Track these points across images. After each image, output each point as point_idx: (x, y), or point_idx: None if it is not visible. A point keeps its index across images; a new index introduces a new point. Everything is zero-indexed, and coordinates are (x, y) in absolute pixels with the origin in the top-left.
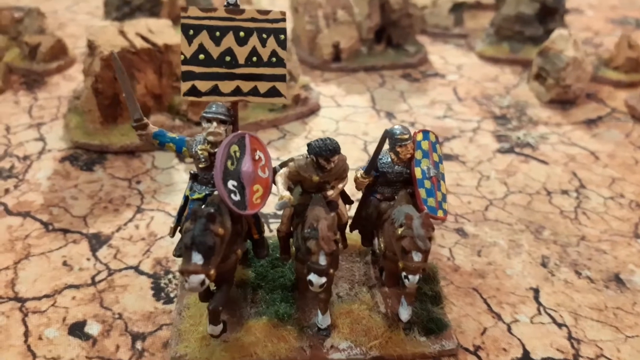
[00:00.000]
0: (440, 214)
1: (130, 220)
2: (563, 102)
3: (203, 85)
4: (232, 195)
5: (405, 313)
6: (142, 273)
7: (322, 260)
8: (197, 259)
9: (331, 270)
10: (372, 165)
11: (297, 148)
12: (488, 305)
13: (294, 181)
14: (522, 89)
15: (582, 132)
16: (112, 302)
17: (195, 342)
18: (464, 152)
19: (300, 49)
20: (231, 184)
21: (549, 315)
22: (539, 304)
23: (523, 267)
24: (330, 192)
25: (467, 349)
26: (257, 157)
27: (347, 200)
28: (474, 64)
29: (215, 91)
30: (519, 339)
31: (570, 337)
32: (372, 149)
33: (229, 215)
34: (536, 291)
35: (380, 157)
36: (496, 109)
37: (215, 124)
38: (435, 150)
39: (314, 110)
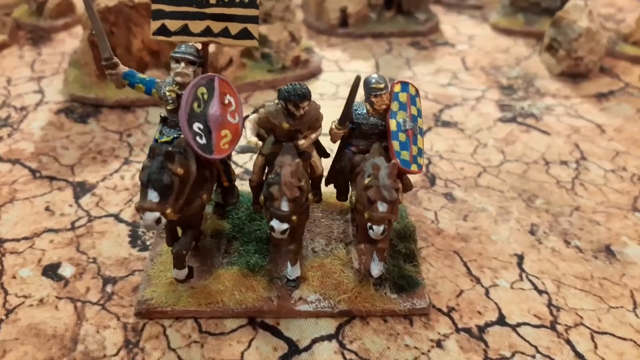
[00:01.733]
0: (414, 167)
1: (117, 171)
2: (574, 75)
3: (173, 25)
4: (198, 138)
5: (376, 268)
6: (121, 221)
7: (284, 206)
8: (153, 196)
9: (294, 217)
10: (346, 116)
11: None
12: (468, 269)
13: (265, 128)
14: (534, 61)
15: (590, 106)
16: (89, 247)
17: (162, 287)
18: (463, 119)
19: (307, 13)
20: (197, 126)
21: (531, 281)
22: (522, 270)
23: (510, 233)
24: (301, 142)
25: (440, 310)
26: (226, 102)
27: (323, 153)
28: (486, 35)
29: (184, 31)
30: (495, 303)
31: (550, 304)
32: None
33: (195, 159)
34: (520, 258)
35: (355, 108)
36: (503, 80)
37: (183, 64)
38: (415, 103)
39: (314, 74)
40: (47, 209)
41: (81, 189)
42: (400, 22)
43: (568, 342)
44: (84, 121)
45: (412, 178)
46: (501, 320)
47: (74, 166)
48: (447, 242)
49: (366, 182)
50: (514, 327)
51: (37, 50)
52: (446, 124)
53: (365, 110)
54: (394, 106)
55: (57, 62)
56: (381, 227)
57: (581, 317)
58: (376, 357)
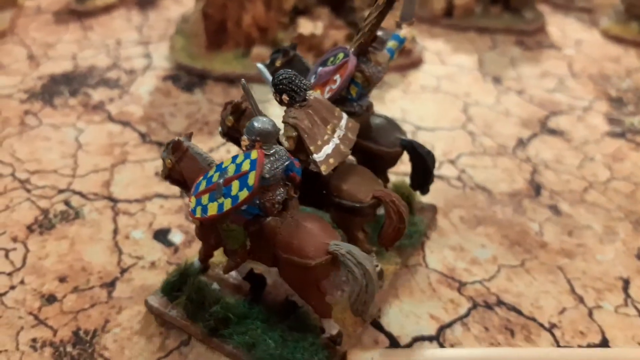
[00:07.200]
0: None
1: (223, 144)
2: None
3: None
4: (313, 75)
5: None
6: None
7: None
8: None
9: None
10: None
11: (392, 100)
12: (571, 286)
13: None
14: None
15: None
16: None
17: None
18: (570, 129)
19: None
20: (320, 69)
21: (636, 308)
22: (627, 295)
23: (615, 255)
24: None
25: (542, 325)
26: (335, 78)
27: None
28: (595, 41)
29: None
30: (599, 326)
31: None
32: (472, 111)
33: None
34: (626, 282)
35: None
36: (612, 91)
37: None
38: (245, 179)
39: (415, 64)
40: (157, 174)
41: None
42: (506, 18)
43: None
44: (190, 90)
45: (516, 185)
46: (604, 344)
47: (181, 134)
48: (552, 256)
49: None
50: None
51: (143, 15)
52: (552, 132)
53: None
54: (227, 161)
55: (163, 28)
56: None
57: None
58: None
